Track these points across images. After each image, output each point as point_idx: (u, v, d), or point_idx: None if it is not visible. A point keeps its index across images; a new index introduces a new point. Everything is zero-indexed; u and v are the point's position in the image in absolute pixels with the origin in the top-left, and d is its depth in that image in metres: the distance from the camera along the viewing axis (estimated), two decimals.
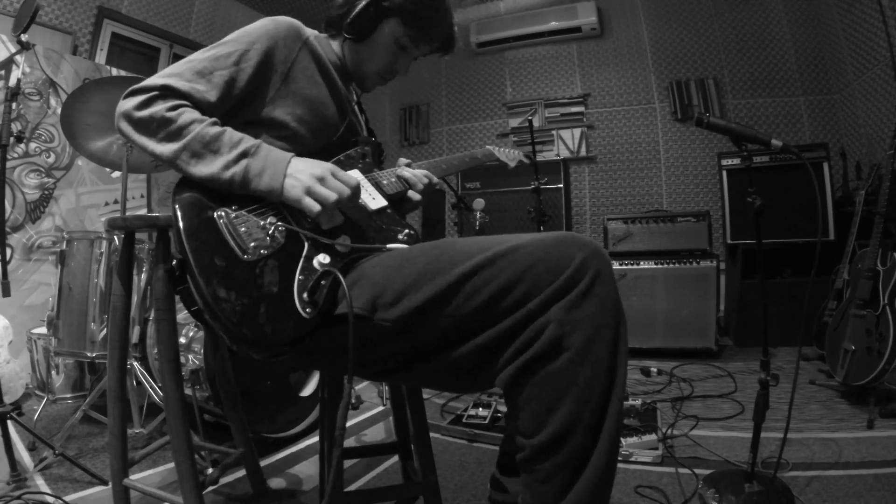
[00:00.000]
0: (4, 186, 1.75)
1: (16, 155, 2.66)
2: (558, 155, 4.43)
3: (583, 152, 4.52)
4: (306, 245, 0.85)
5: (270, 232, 0.84)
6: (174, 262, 0.81)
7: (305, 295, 0.79)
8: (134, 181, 3.04)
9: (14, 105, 1.78)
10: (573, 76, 4.61)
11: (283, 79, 0.99)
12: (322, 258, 0.83)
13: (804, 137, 3.87)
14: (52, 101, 2.82)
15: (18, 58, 2.63)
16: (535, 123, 4.43)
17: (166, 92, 0.88)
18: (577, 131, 4.54)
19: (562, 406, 0.69)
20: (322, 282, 0.80)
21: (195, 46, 4.05)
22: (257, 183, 0.85)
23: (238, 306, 0.75)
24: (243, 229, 0.83)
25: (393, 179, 1.11)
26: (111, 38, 3.53)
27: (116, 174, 3.04)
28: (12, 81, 1.75)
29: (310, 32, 1.07)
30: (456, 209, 3.66)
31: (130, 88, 0.89)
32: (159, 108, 0.85)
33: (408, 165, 1.17)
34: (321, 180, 0.85)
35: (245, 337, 0.75)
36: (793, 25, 3.93)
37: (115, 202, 3.09)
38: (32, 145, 2.74)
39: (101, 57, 3.43)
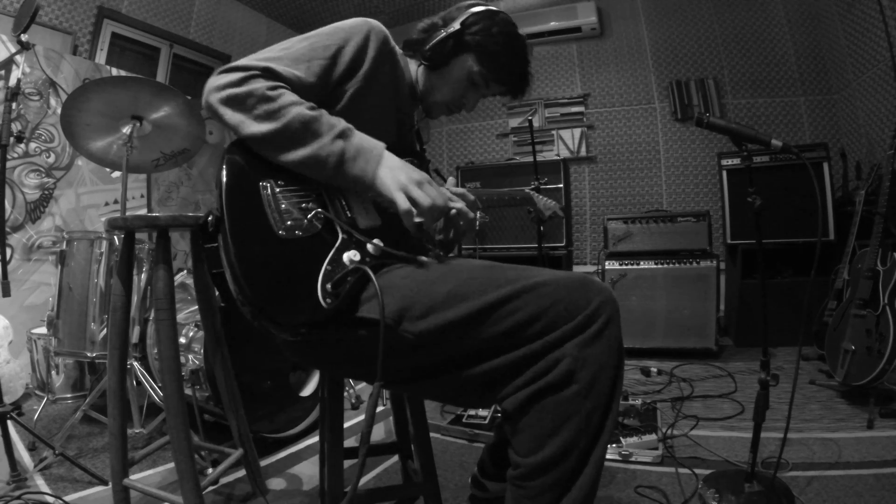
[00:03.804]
0: (4, 186, 1.75)
1: (16, 155, 2.66)
2: (558, 155, 4.43)
3: (583, 152, 4.52)
4: (340, 238, 0.86)
5: (309, 217, 0.85)
6: (210, 218, 0.82)
7: (329, 286, 0.80)
8: (134, 181, 3.04)
9: (14, 105, 1.78)
10: (573, 76, 4.61)
11: (365, 77, 0.99)
12: (353, 255, 0.84)
13: (804, 137, 3.87)
14: (52, 101, 2.82)
15: (18, 58, 2.63)
16: (535, 123, 4.42)
17: (267, 73, 0.87)
18: (577, 131, 4.54)
19: (562, 432, 0.74)
20: (349, 278, 0.82)
21: (195, 46, 4.06)
22: (350, 167, 0.87)
23: (261, 277, 0.77)
24: (284, 206, 0.85)
25: None
26: (111, 38, 3.53)
27: (116, 174, 3.04)
28: (12, 81, 1.75)
29: (394, 44, 1.08)
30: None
31: (225, 66, 0.88)
32: (259, 85, 0.85)
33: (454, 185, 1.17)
34: (418, 184, 0.87)
35: (263, 310, 0.77)
36: (793, 25, 3.93)
37: (115, 202, 3.09)
38: (32, 145, 2.75)
39: (101, 57, 3.43)
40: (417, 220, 0.87)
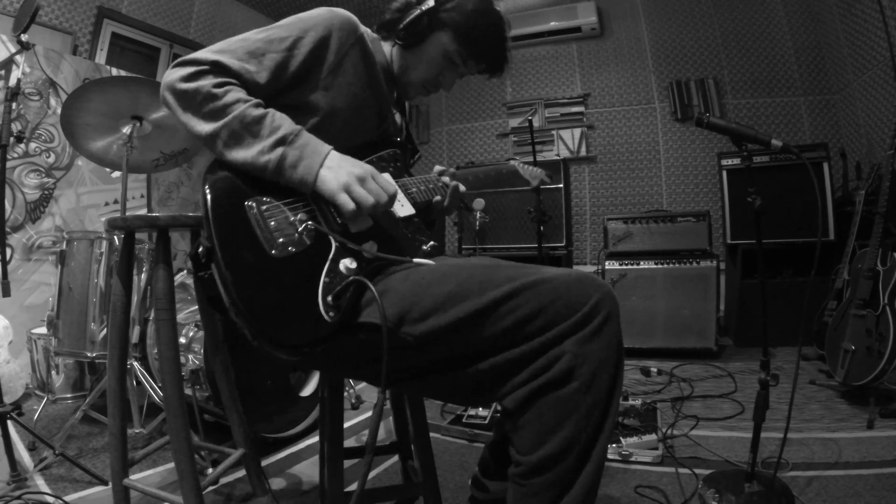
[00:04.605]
0: (4, 186, 1.75)
1: (16, 155, 2.66)
2: (558, 155, 4.43)
3: (583, 152, 4.52)
4: (334, 247, 0.84)
5: (300, 230, 0.83)
6: (200, 249, 0.80)
7: (330, 298, 0.79)
8: (134, 181, 3.04)
9: (14, 105, 1.78)
10: (573, 76, 4.61)
11: (331, 70, 0.97)
12: (349, 262, 0.83)
13: (804, 137, 3.87)
14: (52, 101, 2.82)
15: (18, 58, 2.63)
16: (535, 123, 4.43)
17: (216, 68, 0.86)
18: (577, 131, 4.54)
19: (562, 430, 0.74)
20: (350, 287, 0.80)
21: (195, 46, 4.05)
22: (290, 174, 0.84)
23: (261, 303, 0.76)
24: (273, 223, 0.82)
25: (422, 188, 1.09)
26: (111, 38, 3.53)
27: (116, 174, 3.04)
28: (12, 81, 1.76)
29: (364, 30, 1.05)
30: (455, 209, 3.66)
31: (179, 59, 0.87)
32: (206, 82, 0.83)
33: (441, 173, 1.15)
34: (361, 180, 0.85)
35: (266, 334, 0.75)
36: (793, 25, 3.93)
37: (115, 202, 3.09)
38: (32, 145, 2.75)
39: (101, 57, 3.43)
40: (360, 226, 0.87)
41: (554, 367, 0.74)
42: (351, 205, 0.83)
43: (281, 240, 0.81)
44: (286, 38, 0.93)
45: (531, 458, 0.75)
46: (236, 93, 0.85)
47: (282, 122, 0.85)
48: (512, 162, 1.47)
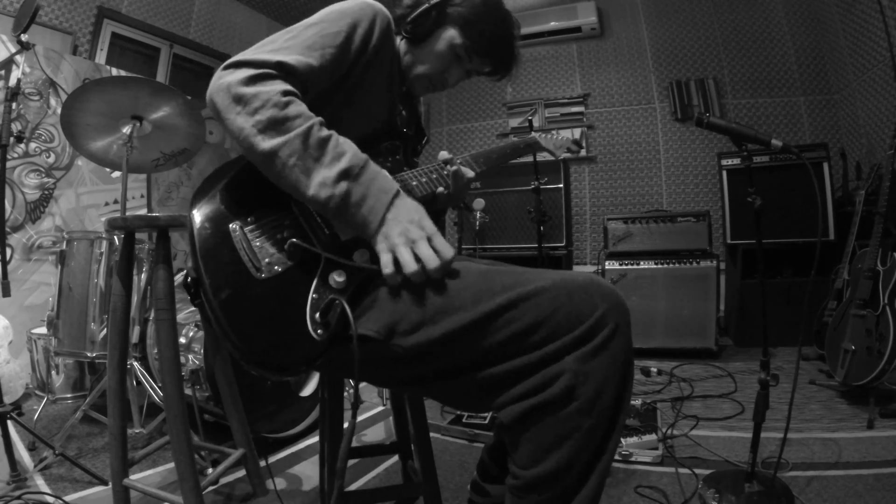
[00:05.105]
0: (4, 186, 1.75)
1: (16, 155, 2.66)
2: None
3: (583, 152, 4.52)
4: (322, 260, 0.80)
5: (285, 248, 0.80)
6: (189, 279, 0.78)
7: (318, 315, 0.76)
8: (134, 181, 3.04)
9: (14, 105, 1.78)
10: (573, 76, 4.62)
11: (367, 64, 0.95)
12: (337, 276, 0.79)
13: (804, 137, 3.88)
14: (52, 101, 2.82)
15: (18, 58, 2.63)
16: (535, 123, 4.44)
17: (281, 70, 0.80)
18: (577, 131, 4.54)
19: (562, 448, 0.71)
20: (336, 301, 0.77)
21: (195, 46, 4.06)
22: (353, 214, 0.78)
23: (250, 328, 0.74)
24: (258, 244, 0.79)
25: (423, 180, 1.05)
26: (111, 38, 3.53)
27: (116, 174, 3.04)
28: (12, 81, 1.76)
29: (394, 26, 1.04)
30: (456, 209, 3.66)
31: (233, 60, 0.79)
32: (271, 88, 0.77)
33: (447, 162, 1.09)
34: (412, 242, 0.78)
35: (257, 359, 0.74)
36: (793, 25, 3.93)
37: (115, 202, 3.09)
38: (32, 145, 2.75)
39: (101, 57, 3.43)
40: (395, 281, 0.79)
41: (553, 385, 0.70)
42: (389, 268, 0.77)
43: (266, 260, 0.78)
44: (339, 33, 0.89)
45: (528, 473, 0.72)
46: (299, 106, 0.78)
47: (345, 150, 0.79)
48: (533, 134, 1.38)
